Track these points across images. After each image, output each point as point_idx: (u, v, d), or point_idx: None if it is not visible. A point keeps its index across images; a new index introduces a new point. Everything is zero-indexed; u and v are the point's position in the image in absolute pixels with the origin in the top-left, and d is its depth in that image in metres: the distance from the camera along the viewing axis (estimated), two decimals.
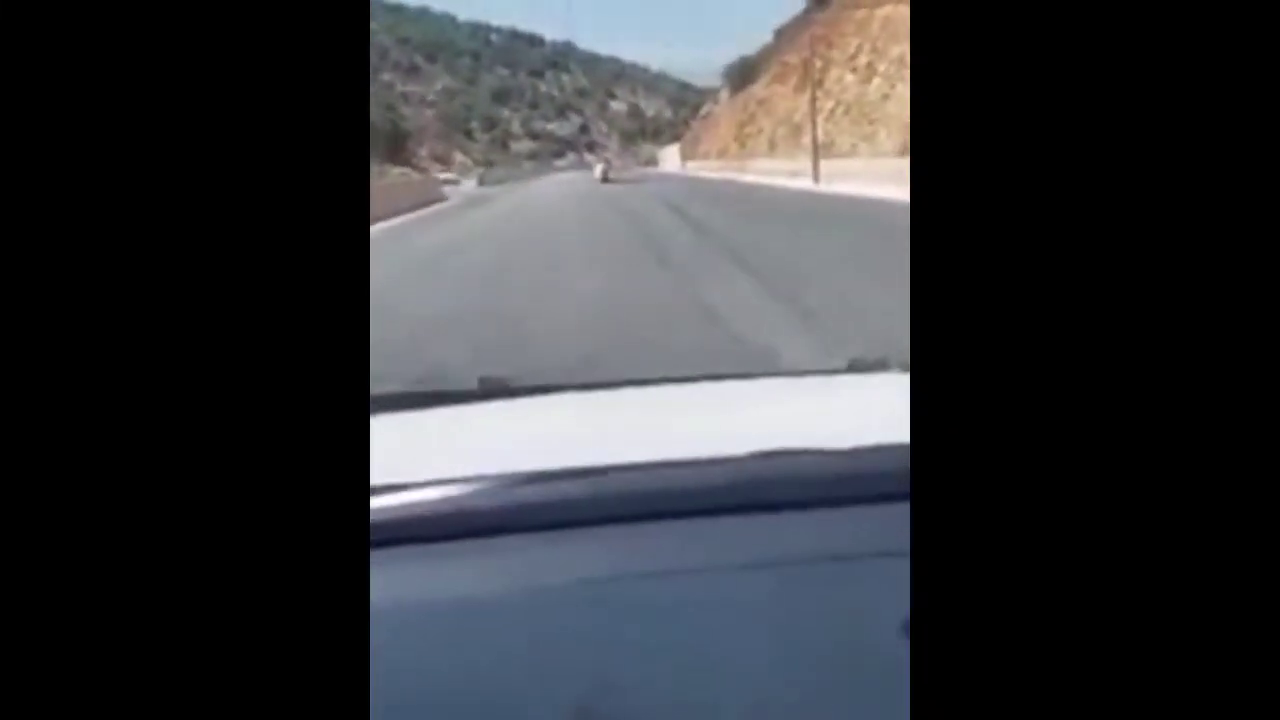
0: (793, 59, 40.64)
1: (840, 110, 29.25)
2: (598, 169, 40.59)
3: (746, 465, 0.68)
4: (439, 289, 8.24)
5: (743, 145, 46.01)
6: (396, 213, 19.82)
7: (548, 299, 7.08)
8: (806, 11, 48.25)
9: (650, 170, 56.61)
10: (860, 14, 29.04)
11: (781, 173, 29.85)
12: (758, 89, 46.58)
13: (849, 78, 27.65)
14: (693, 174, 44.58)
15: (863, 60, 29.00)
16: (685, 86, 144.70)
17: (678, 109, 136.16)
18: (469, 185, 36.99)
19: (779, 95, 41.29)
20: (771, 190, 24.48)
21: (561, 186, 34.78)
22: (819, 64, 35.31)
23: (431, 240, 13.88)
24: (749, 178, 30.47)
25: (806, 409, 1.12)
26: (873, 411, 1.01)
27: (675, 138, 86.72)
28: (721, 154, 51.07)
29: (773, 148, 38.87)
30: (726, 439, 0.75)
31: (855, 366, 1.30)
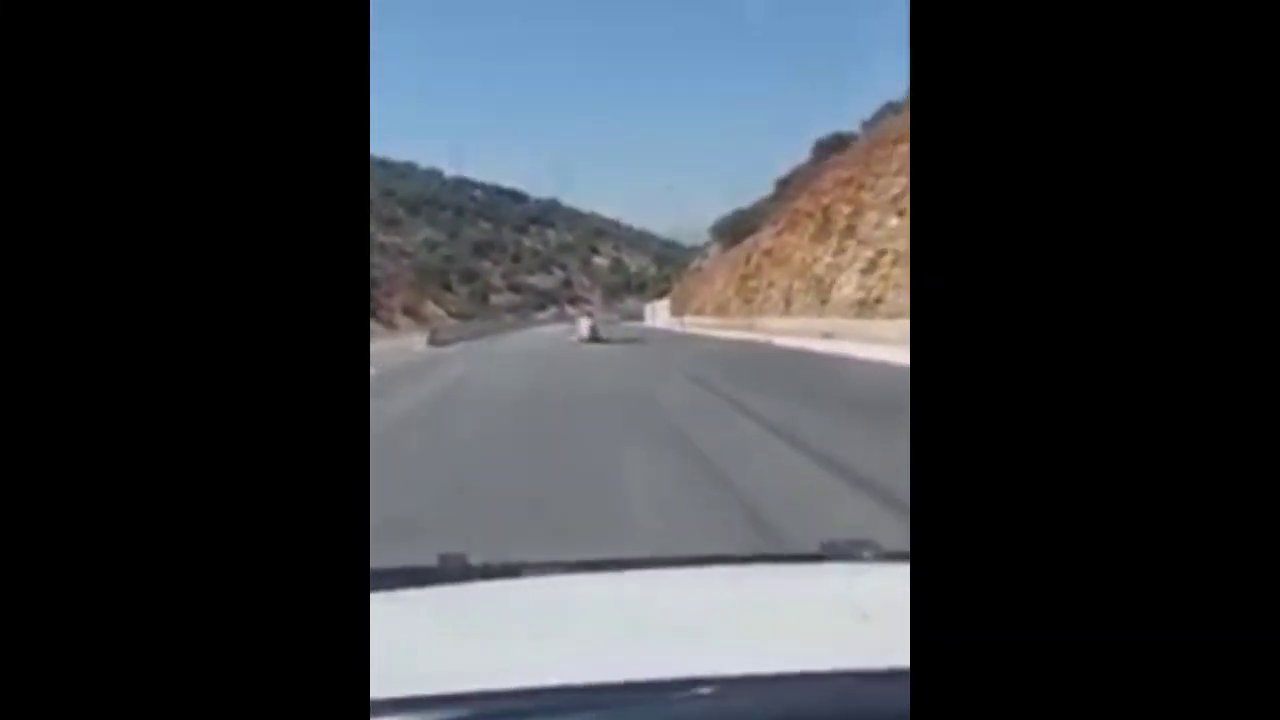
0: (807, 205, 35.97)
1: (888, 260, 23.92)
2: (583, 324, 32.54)
3: (724, 695, 0.67)
4: None
5: (747, 301, 40.79)
6: None
7: None
8: (816, 159, 44.54)
9: (638, 325, 50.87)
10: (904, 148, 24.20)
11: (811, 333, 24.14)
12: (763, 240, 41.90)
13: (894, 222, 22.57)
14: (697, 332, 38.30)
15: (909, 202, 23.95)
16: (669, 244, 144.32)
17: (661, 265, 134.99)
18: (419, 343, 27.61)
19: (791, 246, 36.38)
20: (872, 370, 13.91)
21: (535, 347, 25.86)
22: (846, 209, 30.33)
23: None
24: (785, 341, 23.99)
25: (792, 605, 1.06)
26: (853, 615, 0.97)
27: (660, 293, 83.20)
28: (720, 310, 45.86)
29: (789, 304, 33.51)
30: (702, 646, 0.79)
31: (830, 551, 1.21)
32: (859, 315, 24.12)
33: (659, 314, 64.27)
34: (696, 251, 73.28)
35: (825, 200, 33.19)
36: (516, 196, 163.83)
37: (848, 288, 26.99)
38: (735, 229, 60.60)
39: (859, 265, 26.21)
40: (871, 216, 26.28)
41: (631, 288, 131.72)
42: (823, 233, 32.31)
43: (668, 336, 34.13)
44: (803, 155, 47.84)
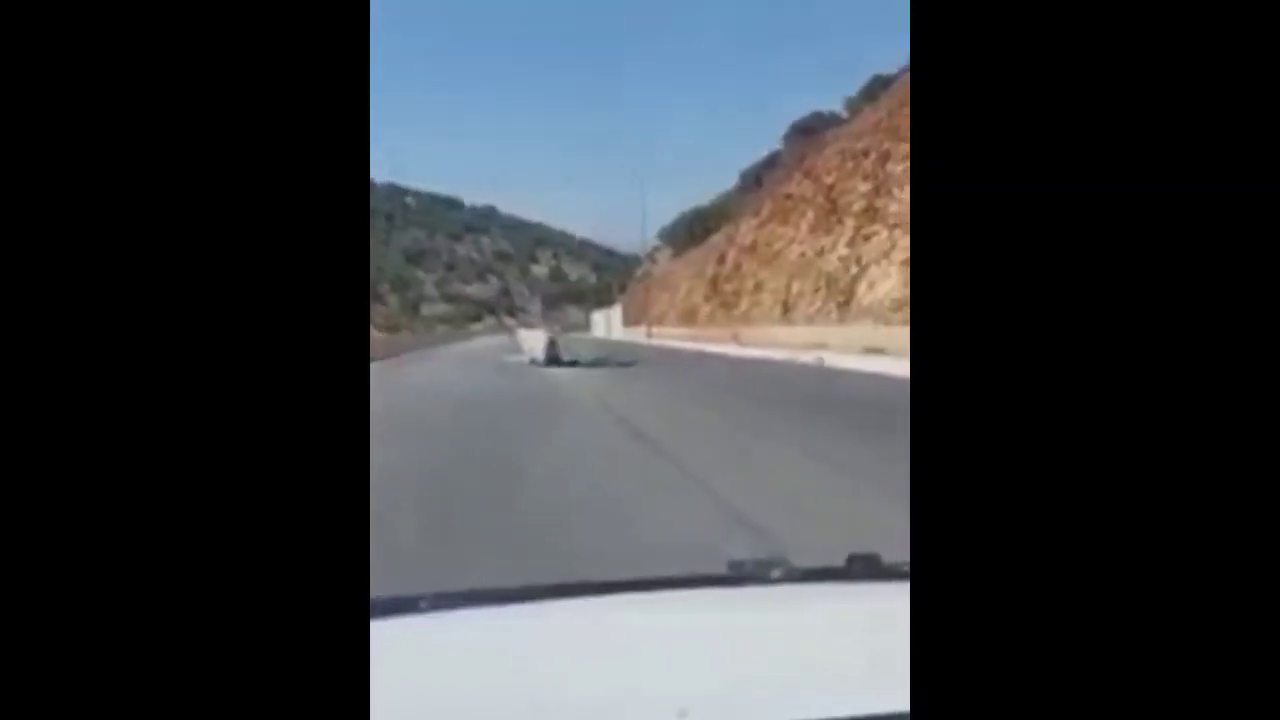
0: (802, 189, 29.92)
1: None
2: (528, 337, 21.58)
3: None
4: None
5: (727, 307, 34.49)
6: None
7: None
8: (790, 143, 38.75)
9: (591, 339, 43.85)
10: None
11: (853, 348, 17.89)
12: (742, 234, 35.72)
13: None
14: (678, 346, 30.31)
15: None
16: (609, 252, 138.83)
17: (601, 274, 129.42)
18: None
19: (782, 238, 30.24)
20: None
21: (469, 383, 14.23)
22: (863, 187, 24.19)
23: None
24: (850, 362, 16.37)
25: (777, 631, 1.02)
26: (837, 640, 0.96)
27: (600, 302, 77.03)
28: (687, 318, 39.55)
29: (788, 309, 27.29)
30: (676, 683, 0.78)
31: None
32: (904, 321, 17.99)
33: (613, 324, 57.55)
34: (639, 259, 67.59)
35: (828, 180, 27.15)
36: (451, 203, 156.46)
37: (883, 284, 20.87)
38: (692, 229, 54.72)
39: (900, 255, 20.15)
40: (907, 194, 20.24)
41: (571, 297, 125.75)
42: (826, 219, 26.23)
43: (647, 355, 23.96)
44: (770, 144, 42.25)
